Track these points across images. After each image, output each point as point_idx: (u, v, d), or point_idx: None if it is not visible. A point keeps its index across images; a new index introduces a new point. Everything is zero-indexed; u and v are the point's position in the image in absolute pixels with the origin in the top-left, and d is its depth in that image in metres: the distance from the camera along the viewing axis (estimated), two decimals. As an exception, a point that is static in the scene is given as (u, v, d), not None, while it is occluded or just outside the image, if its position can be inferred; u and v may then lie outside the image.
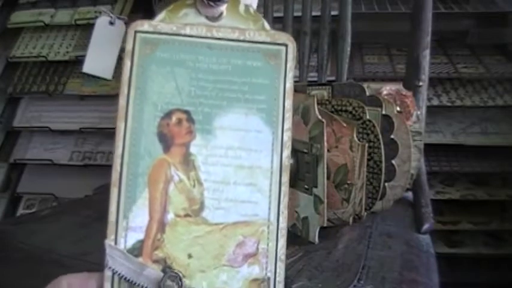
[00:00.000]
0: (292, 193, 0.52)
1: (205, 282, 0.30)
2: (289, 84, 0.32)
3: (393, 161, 0.57)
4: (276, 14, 0.77)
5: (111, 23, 0.71)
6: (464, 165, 1.05)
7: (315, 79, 0.74)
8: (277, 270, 0.31)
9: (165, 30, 0.32)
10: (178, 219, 0.30)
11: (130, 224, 0.30)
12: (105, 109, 1.17)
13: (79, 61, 1.08)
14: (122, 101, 0.31)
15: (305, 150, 0.52)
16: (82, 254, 0.49)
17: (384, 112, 0.56)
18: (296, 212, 0.55)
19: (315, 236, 0.53)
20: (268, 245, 0.31)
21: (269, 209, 0.31)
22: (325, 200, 0.51)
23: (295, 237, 0.54)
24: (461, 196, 1.04)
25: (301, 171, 0.53)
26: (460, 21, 1.09)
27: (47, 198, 1.21)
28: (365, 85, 0.60)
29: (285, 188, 0.31)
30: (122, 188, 0.30)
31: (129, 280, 0.29)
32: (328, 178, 0.52)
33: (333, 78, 0.76)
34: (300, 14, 0.73)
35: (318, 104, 0.51)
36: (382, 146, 0.55)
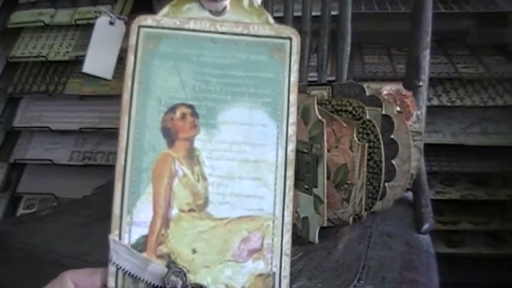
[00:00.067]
0: (292, 193, 0.52)
1: (209, 278, 0.30)
2: (294, 78, 0.32)
3: (393, 161, 0.57)
4: (276, 14, 0.77)
5: (111, 23, 0.71)
6: (464, 165, 1.05)
7: (315, 79, 0.74)
8: (283, 265, 0.30)
9: (168, 24, 0.31)
10: (182, 214, 0.30)
11: (134, 219, 0.30)
12: (105, 109, 1.17)
13: (79, 61, 1.08)
14: (125, 95, 0.30)
15: (305, 150, 0.52)
16: (82, 254, 0.49)
17: (384, 112, 0.56)
18: (296, 212, 0.55)
19: (315, 236, 0.53)
20: (273, 240, 0.30)
21: (274, 203, 0.31)
22: (325, 200, 0.51)
23: (295, 237, 0.54)
24: (461, 196, 1.04)
25: (301, 171, 0.53)
26: (460, 21, 1.09)
27: (47, 198, 1.21)
28: (365, 85, 0.60)
29: (290, 182, 0.31)
30: (125, 183, 0.30)
31: (133, 275, 0.29)
32: (328, 178, 0.52)
33: (333, 78, 0.76)
34: (300, 14, 0.73)
35: (318, 104, 0.51)
36: (382, 146, 0.55)
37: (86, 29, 1.14)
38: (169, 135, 0.31)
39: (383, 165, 0.56)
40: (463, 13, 1.05)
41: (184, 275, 0.29)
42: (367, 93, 0.58)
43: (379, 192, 0.57)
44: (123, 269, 0.29)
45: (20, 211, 1.22)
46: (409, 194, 0.68)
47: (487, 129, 1.05)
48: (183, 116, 0.31)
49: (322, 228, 0.53)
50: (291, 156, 0.31)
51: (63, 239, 0.55)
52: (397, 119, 0.56)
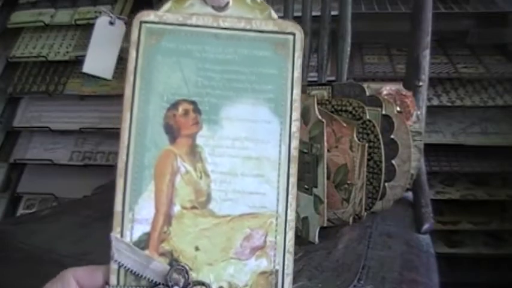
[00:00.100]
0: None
1: (212, 275, 0.30)
2: (298, 74, 0.31)
3: (393, 161, 0.57)
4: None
5: (111, 23, 0.71)
6: (464, 165, 1.05)
7: (315, 79, 0.74)
8: (286, 263, 0.30)
9: (170, 20, 0.31)
10: (184, 211, 0.30)
11: (136, 216, 0.29)
12: (105, 109, 1.17)
13: (79, 61, 1.08)
14: (127, 91, 0.30)
15: (305, 150, 0.52)
16: (82, 254, 0.49)
17: (384, 112, 0.56)
18: (296, 212, 0.55)
19: (315, 236, 0.53)
20: (276, 237, 0.30)
21: (277, 200, 0.30)
22: (325, 200, 0.51)
23: (295, 237, 0.54)
24: (461, 196, 1.04)
25: (301, 171, 0.53)
26: (460, 21, 1.09)
27: (47, 198, 1.21)
28: (365, 85, 0.60)
29: (294, 179, 0.31)
30: (127, 180, 0.30)
31: (135, 273, 0.29)
32: (328, 178, 0.52)
33: (333, 78, 0.76)
34: (300, 14, 0.73)
35: (318, 104, 0.51)
36: (382, 146, 0.55)
37: (86, 29, 1.14)
38: (172, 132, 0.30)
39: (383, 165, 0.56)
40: (463, 13, 1.05)
41: (187, 272, 0.29)
42: (367, 93, 0.58)
43: (379, 192, 0.57)
44: (125, 267, 0.29)
45: (20, 211, 1.22)
46: (409, 194, 0.68)
47: (487, 129, 1.05)
48: (186, 112, 0.31)
49: (322, 228, 0.53)
50: (294, 153, 0.31)
51: (63, 239, 0.55)
52: (397, 119, 0.56)
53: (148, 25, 0.31)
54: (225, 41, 0.31)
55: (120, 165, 0.30)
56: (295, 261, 0.48)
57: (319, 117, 0.51)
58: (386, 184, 0.57)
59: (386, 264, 0.49)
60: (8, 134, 1.25)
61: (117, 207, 0.29)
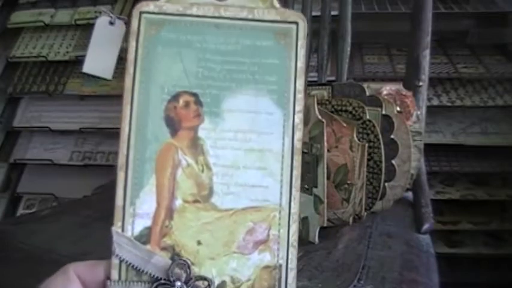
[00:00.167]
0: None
1: (214, 270, 0.29)
2: (301, 64, 0.31)
3: (393, 161, 0.57)
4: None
5: (111, 23, 0.71)
6: (464, 165, 1.05)
7: (315, 79, 0.74)
8: (289, 257, 0.29)
9: (170, 10, 0.31)
10: (186, 205, 0.29)
11: (137, 210, 0.29)
12: (105, 109, 1.17)
13: (79, 61, 1.08)
14: (127, 83, 0.30)
15: (305, 150, 0.52)
16: (82, 254, 0.49)
17: (384, 112, 0.56)
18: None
19: (315, 236, 0.53)
20: (279, 231, 0.30)
21: (280, 193, 0.30)
22: (325, 200, 0.51)
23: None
24: (461, 196, 1.04)
25: (301, 171, 0.53)
26: (460, 21, 1.09)
27: (47, 198, 1.21)
28: (365, 85, 0.60)
29: (297, 171, 0.30)
30: (128, 174, 0.29)
31: (136, 268, 0.28)
32: (328, 178, 0.52)
33: (333, 78, 0.76)
34: (300, 14, 0.73)
35: (318, 104, 0.51)
36: (382, 146, 0.55)
37: (86, 29, 1.14)
38: (173, 125, 0.30)
39: (383, 165, 0.56)
40: (463, 13, 1.05)
41: (189, 267, 0.28)
42: (367, 93, 0.58)
43: (379, 192, 0.57)
44: (126, 261, 0.28)
45: (20, 211, 1.22)
46: (409, 194, 0.68)
47: (487, 129, 1.05)
48: (187, 104, 0.30)
49: (322, 228, 0.53)
50: (298, 145, 0.30)
51: (63, 239, 0.55)
52: (397, 119, 0.56)
53: (148, 15, 0.30)
54: (226, 30, 0.31)
55: (121, 159, 0.29)
56: (295, 261, 0.48)
57: (319, 117, 0.51)
58: (386, 184, 0.57)
59: (386, 264, 0.49)
60: (8, 134, 1.25)
61: (118, 201, 0.29)
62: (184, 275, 0.28)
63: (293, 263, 0.30)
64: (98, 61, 0.70)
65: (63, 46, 1.18)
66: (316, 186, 0.52)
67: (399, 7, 1.05)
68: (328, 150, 0.52)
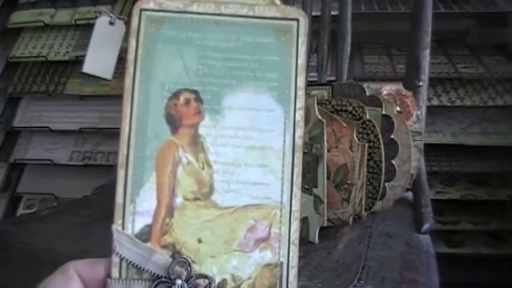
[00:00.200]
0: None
1: (215, 268, 0.29)
2: (302, 61, 0.31)
3: (393, 161, 0.57)
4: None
5: (111, 23, 0.71)
6: (464, 165, 1.05)
7: (315, 79, 0.74)
8: (291, 255, 0.29)
9: (171, 7, 0.30)
10: (187, 202, 0.29)
11: (137, 208, 0.29)
12: (105, 109, 1.17)
13: (79, 61, 1.08)
14: (127, 81, 0.30)
15: (305, 150, 0.52)
16: (82, 253, 0.49)
17: (384, 112, 0.56)
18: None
19: (315, 236, 0.53)
20: (280, 228, 0.29)
21: (281, 191, 0.30)
22: (325, 200, 0.51)
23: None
24: (461, 196, 1.04)
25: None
26: (460, 21, 1.09)
27: (47, 198, 1.21)
28: (365, 85, 0.60)
29: (298, 169, 0.30)
30: (128, 171, 0.29)
31: (137, 266, 0.28)
32: (328, 178, 0.52)
33: (333, 78, 0.76)
34: (300, 14, 0.73)
35: (318, 104, 0.51)
36: (382, 146, 0.55)
37: (86, 29, 1.14)
38: (173, 122, 0.30)
39: (383, 165, 0.56)
40: (463, 13, 1.05)
41: (189, 265, 0.28)
42: (367, 93, 0.58)
43: (379, 192, 0.57)
44: (127, 259, 0.28)
45: (20, 211, 1.22)
46: (409, 194, 0.68)
47: (487, 129, 1.05)
48: (187, 101, 0.30)
49: (322, 228, 0.53)
50: (299, 142, 0.30)
51: (63, 239, 0.55)
52: (397, 119, 0.56)
53: (148, 13, 0.30)
54: (226, 28, 0.31)
55: (121, 157, 0.29)
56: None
57: (319, 117, 0.51)
58: (386, 184, 0.57)
59: (386, 264, 0.49)
60: (8, 134, 1.25)
61: (118, 199, 0.29)
62: (185, 273, 0.28)
63: (294, 261, 0.29)
64: (98, 61, 0.70)
65: (63, 46, 1.18)
66: (316, 186, 0.52)
67: (399, 7, 1.05)
68: (328, 150, 0.52)
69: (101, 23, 0.71)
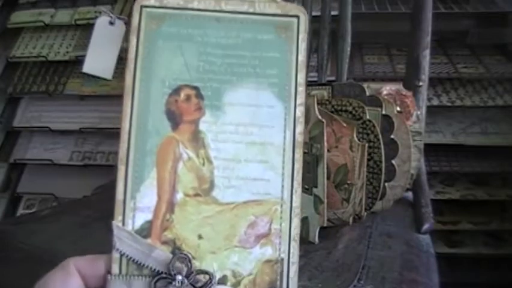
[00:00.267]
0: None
1: (215, 264, 0.29)
2: (302, 57, 0.31)
3: (393, 161, 0.57)
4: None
5: (111, 23, 0.71)
6: (464, 165, 1.05)
7: (315, 79, 0.74)
8: (291, 251, 0.29)
9: (171, 4, 0.31)
10: (187, 198, 0.29)
11: (138, 204, 0.29)
12: (105, 109, 1.17)
13: (79, 61, 1.08)
14: (128, 77, 0.30)
15: (305, 150, 0.52)
16: (82, 253, 0.49)
17: (384, 112, 0.56)
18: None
19: (315, 236, 0.53)
20: (281, 224, 0.30)
21: (282, 186, 0.30)
22: (325, 200, 0.51)
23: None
24: (461, 196, 1.04)
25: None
26: (460, 21, 1.09)
27: (47, 198, 1.21)
28: (365, 85, 0.60)
29: (299, 165, 0.30)
30: (129, 168, 0.29)
31: (137, 262, 0.28)
32: (328, 178, 0.52)
33: (333, 78, 0.76)
34: (300, 14, 0.73)
35: (318, 104, 0.51)
36: (382, 146, 0.55)
37: (86, 29, 1.14)
38: (174, 118, 0.30)
39: (383, 165, 0.56)
40: (463, 13, 1.05)
41: (190, 261, 0.28)
42: (367, 93, 0.58)
43: (379, 192, 0.57)
44: (127, 256, 0.28)
45: (20, 211, 1.22)
46: (409, 194, 0.68)
47: (487, 129, 1.05)
48: (188, 97, 0.30)
49: (322, 228, 0.53)
50: (299, 138, 0.30)
51: (63, 239, 0.55)
52: (397, 119, 0.56)
53: (148, 9, 0.30)
54: (227, 24, 0.31)
55: (122, 153, 0.29)
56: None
57: (319, 117, 0.51)
58: (386, 184, 0.57)
59: (386, 264, 0.49)
60: (8, 134, 1.25)
61: (119, 195, 0.29)
62: (185, 269, 0.28)
63: (295, 257, 0.29)
64: (98, 61, 0.70)
65: (63, 46, 1.18)
66: (316, 186, 0.52)
67: (399, 7, 1.05)
68: (328, 150, 0.52)
69: (101, 23, 0.71)
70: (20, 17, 1.20)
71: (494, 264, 1.07)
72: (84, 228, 0.58)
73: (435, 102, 1.02)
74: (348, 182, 0.54)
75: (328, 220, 0.53)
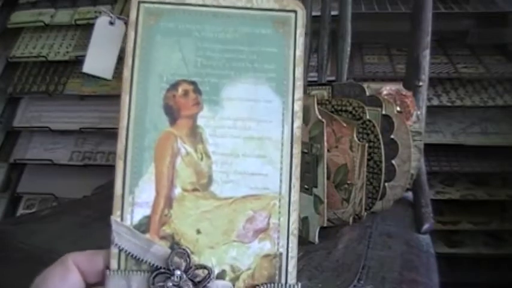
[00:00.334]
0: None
1: (214, 259, 0.29)
2: (299, 52, 0.31)
3: (393, 161, 0.57)
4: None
5: (111, 23, 0.71)
6: (464, 165, 1.05)
7: (315, 79, 0.74)
8: (290, 246, 0.29)
9: (169, 0, 0.31)
10: (186, 193, 0.29)
11: (136, 199, 0.29)
12: (105, 109, 1.17)
13: (79, 61, 1.08)
14: (126, 73, 0.30)
15: (305, 150, 0.52)
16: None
17: (384, 112, 0.56)
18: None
19: (315, 236, 0.53)
20: (279, 219, 0.30)
21: (280, 181, 0.30)
22: (325, 200, 0.51)
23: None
24: (461, 196, 1.04)
25: (301, 171, 0.53)
26: (460, 21, 1.09)
27: (47, 198, 1.21)
28: (365, 85, 0.60)
29: (297, 159, 0.30)
30: (127, 163, 0.29)
31: (135, 257, 0.28)
32: (328, 178, 0.52)
33: (333, 78, 0.76)
34: (300, 14, 0.73)
35: (318, 104, 0.51)
36: (382, 146, 0.55)
37: (86, 29, 1.14)
38: (172, 113, 0.30)
39: (383, 165, 0.56)
40: (463, 13, 1.05)
41: (188, 256, 0.28)
42: (367, 93, 0.58)
43: (379, 192, 0.57)
44: (126, 251, 0.28)
45: (20, 211, 1.22)
46: (409, 194, 0.68)
47: (487, 129, 1.05)
48: (186, 92, 0.30)
49: (322, 228, 0.53)
50: (297, 132, 0.30)
51: (63, 239, 0.55)
52: (397, 119, 0.56)
53: (146, 5, 0.31)
54: (224, 19, 0.31)
55: (120, 148, 0.29)
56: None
57: (319, 117, 0.51)
58: (386, 184, 0.57)
59: (386, 264, 0.49)
60: (8, 134, 1.25)
61: (117, 190, 0.29)
62: (183, 264, 0.28)
63: (293, 252, 0.30)
64: (98, 61, 0.70)
65: (63, 46, 1.18)
66: (316, 186, 0.52)
67: (399, 7, 1.05)
68: (328, 150, 0.52)
69: (101, 23, 0.71)
70: (20, 17, 1.20)
71: (494, 264, 1.07)
72: (84, 228, 0.58)
73: (435, 102, 1.03)
74: (348, 182, 0.54)
75: (328, 220, 0.53)
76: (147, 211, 0.29)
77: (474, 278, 1.07)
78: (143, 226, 0.29)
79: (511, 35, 1.07)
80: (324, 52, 0.72)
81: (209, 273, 0.28)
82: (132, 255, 0.28)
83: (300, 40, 0.31)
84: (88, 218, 0.61)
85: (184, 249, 0.28)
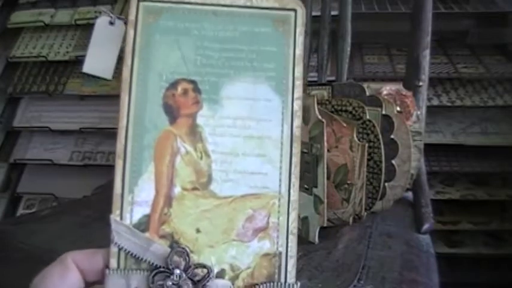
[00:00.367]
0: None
1: (213, 258, 0.29)
2: (299, 51, 0.31)
3: (393, 161, 0.57)
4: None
5: (111, 23, 0.71)
6: (464, 165, 1.05)
7: (315, 79, 0.74)
8: (289, 245, 0.29)
9: None
10: (185, 192, 0.29)
11: (136, 198, 0.29)
12: (105, 109, 1.17)
13: (79, 61, 1.08)
14: (125, 72, 0.30)
15: (305, 150, 0.52)
16: (82, 254, 0.49)
17: (384, 112, 0.56)
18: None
19: (315, 236, 0.53)
20: (279, 218, 0.30)
21: (280, 180, 0.30)
22: (325, 200, 0.51)
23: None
24: (461, 196, 1.04)
25: (301, 171, 0.53)
26: (460, 21, 1.09)
27: (47, 198, 1.21)
28: (365, 85, 0.60)
29: (296, 158, 0.30)
30: (127, 162, 0.29)
31: (135, 256, 0.28)
32: (328, 178, 0.52)
33: (333, 78, 0.76)
34: (300, 14, 0.73)
35: (318, 104, 0.51)
36: (382, 146, 0.55)
37: (86, 29, 1.14)
38: (171, 112, 0.30)
39: (383, 165, 0.56)
40: (463, 13, 1.05)
41: (188, 255, 0.28)
42: (367, 93, 0.58)
43: (379, 192, 0.57)
44: (125, 250, 0.28)
45: (20, 211, 1.22)
46: (409, 194, 0.68)
47: (487, 129, 1.05)
48: (185, 91, 0.30)
49: (322, 228, 0.53)
50: (297, 132, 0.30)
51: (63, 239, 0.55)
52: (397, 119, 0.56)
53: (145, 3, 0.30)
54: (224, 18, 0.31)
55: (119, 147, 0.29)
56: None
57: (319, 117, 0.51)
58: (386, 184, 0.57)
59: (386, 264, 0.49)
60: (8, 134, 1.25)
61: (117, 189, 0.29)
62: (183, 263, 0.28)
63: (293, 251, 0.30)
64: (98, 61, 0.70)
65: (63, 46, 1.18)
66: (316, 186, 0.52)
67: (399, 7, 1.05)
68: (328, 150, 0.52)
69: (101, 23, 0.71)
70: (20, 17, 1.20)
71: (494, 264, 1.07)
72: (84, 228, 0.58)
73: (435, 102, 1.02)
74: (348, 182, 0.54)
75: (328, 220, 0.53)
76: (147, 210, 0.29)
77: (474, 278, 1.07)
78: (143, 225, 0.29)
79: (511, 35, 1.07)
80: (324, 52, 0.72)
81: (208, 272, 0.28)
82: (131, 254, 0.28)
83: (300, 39, 0.31)
84: (88, 218, 0.61)
85: (183, 248, 0.28)
